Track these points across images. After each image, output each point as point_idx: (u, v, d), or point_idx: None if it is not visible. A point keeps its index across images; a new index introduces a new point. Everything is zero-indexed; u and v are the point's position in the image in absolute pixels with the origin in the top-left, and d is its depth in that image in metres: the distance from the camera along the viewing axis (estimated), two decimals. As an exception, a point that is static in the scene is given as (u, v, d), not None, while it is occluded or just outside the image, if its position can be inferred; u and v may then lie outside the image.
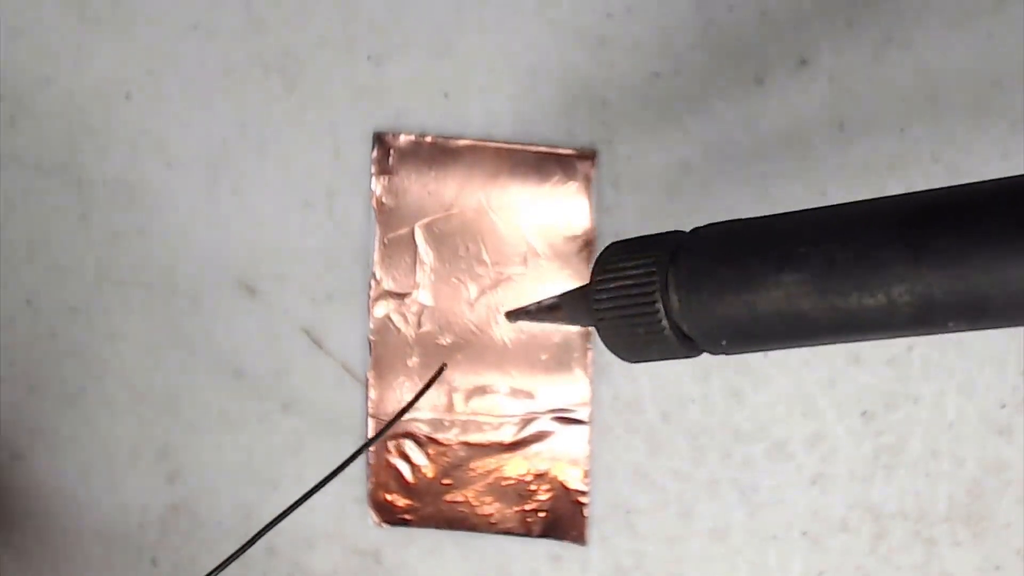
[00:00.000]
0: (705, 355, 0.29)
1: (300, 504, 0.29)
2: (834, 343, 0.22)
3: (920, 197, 0.21)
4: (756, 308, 0.22)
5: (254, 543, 0.27)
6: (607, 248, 0.26)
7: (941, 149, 0.32)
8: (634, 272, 0.25)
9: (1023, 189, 0.19)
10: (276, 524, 0.28)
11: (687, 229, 0.25)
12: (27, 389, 0.37)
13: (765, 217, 0.24)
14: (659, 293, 0.24)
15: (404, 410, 0.33)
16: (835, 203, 0.23)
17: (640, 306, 0.24)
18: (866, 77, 0.32)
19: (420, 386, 0.34)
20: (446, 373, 0.34)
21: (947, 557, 0.35)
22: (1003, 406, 0.34)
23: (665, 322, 0.24)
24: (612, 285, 0.25)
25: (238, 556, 0.27)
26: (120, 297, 0.36)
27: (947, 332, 0.20)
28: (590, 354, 0.34)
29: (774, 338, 0.23)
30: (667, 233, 0.25)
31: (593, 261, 0.32)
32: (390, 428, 0.33)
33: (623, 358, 0.26)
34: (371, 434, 0.35)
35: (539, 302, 0.29)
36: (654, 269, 0.24)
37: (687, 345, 0.25)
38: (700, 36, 0.32)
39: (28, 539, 0.38)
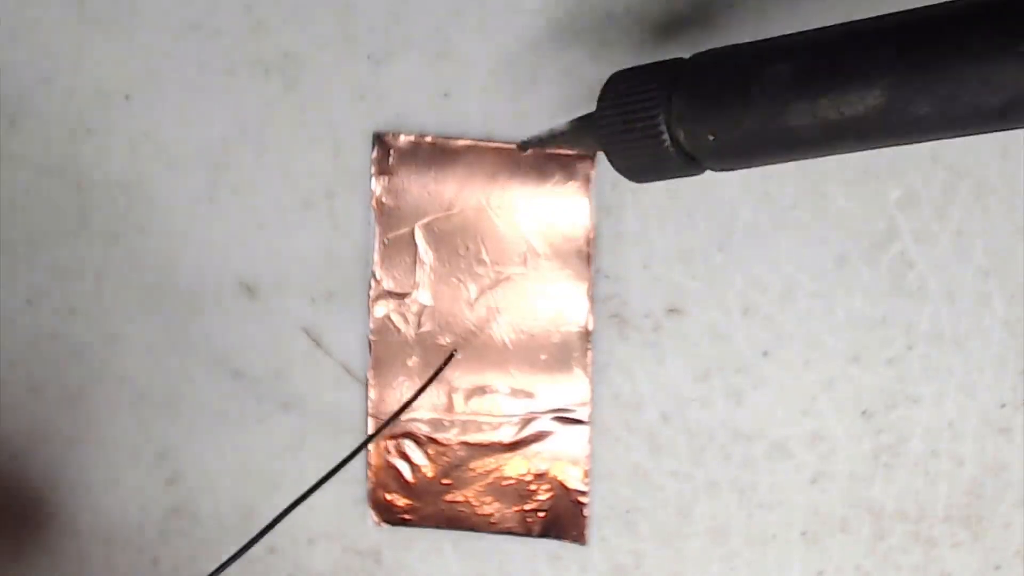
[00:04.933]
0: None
1: (299, 504, 0.29)
2: (816, 148, 0.24)
3: (910, 14, 0.22)
4: (749, 94, 0.24)
5: (253, 545, 0.27)
6: (610, 77, 0.28)
7: (941, 149, 0.32)
8: (637, 93, 0.26)
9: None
10: (274, 526, 0.28)
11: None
12: (27, 389, 0.37)
13: (766, 39, 0.25)
14: (661, 109, 0.26)
15: (414, 398, 0.34)
16: None
17: (643, 122, 0.26)
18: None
19: (420, 385, 0.35)
20: (446, 372, 0.35)
21: (947, 557, 0.35)
22: (1003, 406, 0.34)
23: (666, 135, 0.26)
24: (617, 106, 0.27)
25: (238, 558, 0.27)
26: (120, 297, 0.36)
27: (918, 131, 0.22)
28: (590, 354, 0.34)
29: (764, 138, 0.24)
30: (667, 60, 0.27)
31: (592, 255, 0.33)
32: (397, 418, 0.34)
33: (628, 176, 0.28)
34: (371, 433, 0.35)
35: (550, 129, 0.31)
36: (655, 87, 0.26)
37: (686, 161, 0.26)
38: (700, 36, 0.32)
39: (28, 539, 0.38)
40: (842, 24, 0.24)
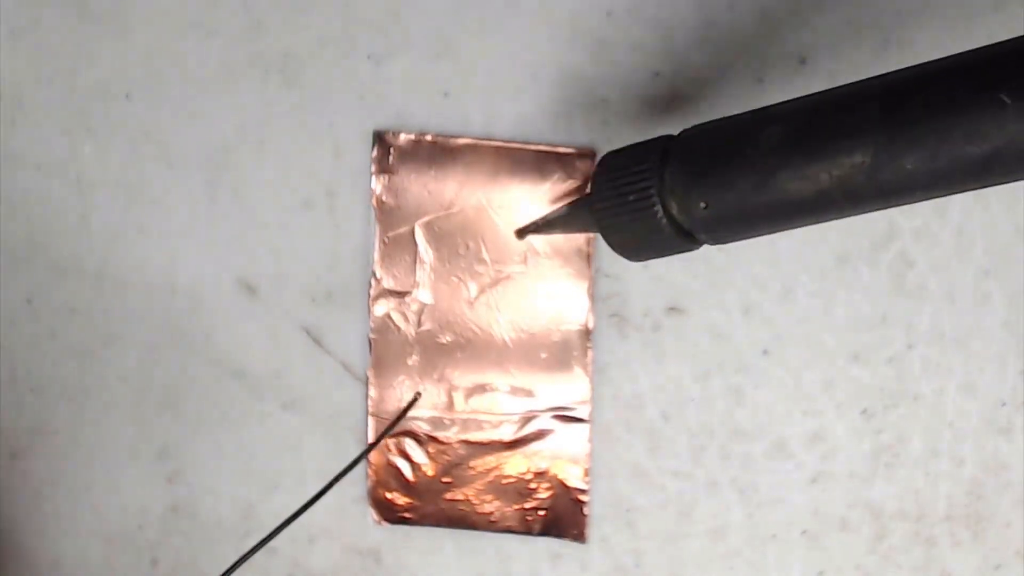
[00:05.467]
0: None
1: (301, 513, 0.29)
2: (807, 213, 0.24)
3: (894, 74, 0.23)
4: (738, 159, 0.24)
5: (254, 553, 0.27)
6: (603, 158, 0.28)
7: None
8: (630, 168, 0.27)
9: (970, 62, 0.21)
10: (275, 535, 0.28)
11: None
12: (27, 389, 0.37)
13: (753, 110, 0.26)
14: (654, 182, 0.26)
15: (382, 435, 0.34)
16: None
17: (636, 195, 0.26)
18: (866, 77, 0.32)
19: (419, 385, 0.35)
20: (446, 372, 0.35)
21: (947, 557, 0.35)
22: (1003, 405, 0.34)
23: (659, 207, 0.26)
24: (611, 187, 0.27)
25: (239, 566, 0.27)
26: (120, 297, 0.36)
27: (907, 189, 0.22)
28: (590, 352, 0.34)
29: (756, 203, 0.24)
30: (658, 137, 0.27)
31: (592, 254, 0.34)
32: (381, 440, 0.34)
33: (624, 255, 0.28)
34: (371, 433, 0.35)
35: (545, 216, 0.32)
36: (648, 162, 0.26)
37: (680, 234, 0.26)
38: (700, 35, 0.33)
39: (28, 539, 0.38)
40: (827, 90, 0.24)
